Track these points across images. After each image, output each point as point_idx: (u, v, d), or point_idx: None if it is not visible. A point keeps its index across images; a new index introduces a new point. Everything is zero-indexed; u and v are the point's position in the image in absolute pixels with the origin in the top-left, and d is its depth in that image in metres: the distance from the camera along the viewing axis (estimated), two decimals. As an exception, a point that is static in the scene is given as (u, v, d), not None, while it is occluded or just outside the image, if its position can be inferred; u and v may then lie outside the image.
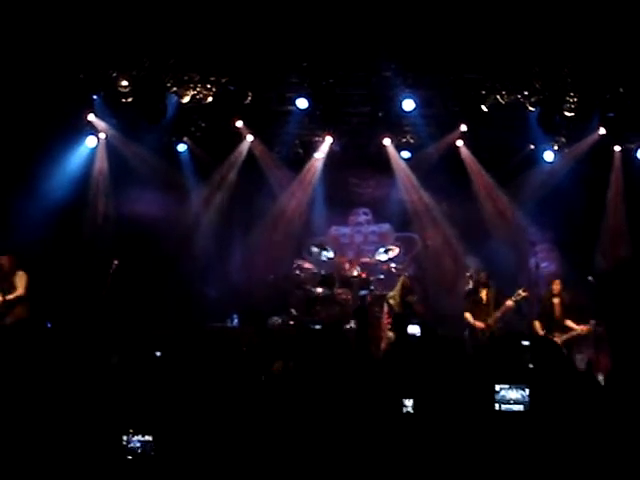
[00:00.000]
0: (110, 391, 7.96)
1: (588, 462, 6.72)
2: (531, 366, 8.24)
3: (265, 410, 7.61)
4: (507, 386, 7.27)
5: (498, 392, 7.30)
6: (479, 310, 13.32)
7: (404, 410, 7.66)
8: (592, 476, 6.66)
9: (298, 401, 7.70)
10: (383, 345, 13.59)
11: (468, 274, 13.93)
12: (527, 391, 7.23)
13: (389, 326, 13.75)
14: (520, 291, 13.09)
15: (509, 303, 13.08)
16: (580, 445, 6.82)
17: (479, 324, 13.16)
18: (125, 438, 7.13)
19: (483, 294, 13.33)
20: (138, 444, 7.13)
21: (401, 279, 14.11)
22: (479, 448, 6.96)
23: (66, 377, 8.20)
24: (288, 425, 7.41)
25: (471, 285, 13.60)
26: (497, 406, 7.32)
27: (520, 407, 7.23)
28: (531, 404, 7.23)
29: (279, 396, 7.83)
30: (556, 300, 13.19)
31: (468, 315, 13.38)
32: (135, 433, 7.13)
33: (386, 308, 13.97)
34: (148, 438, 7.11)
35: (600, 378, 10.73)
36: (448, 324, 14.60)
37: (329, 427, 7.45)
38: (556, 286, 13.31)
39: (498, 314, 13.13)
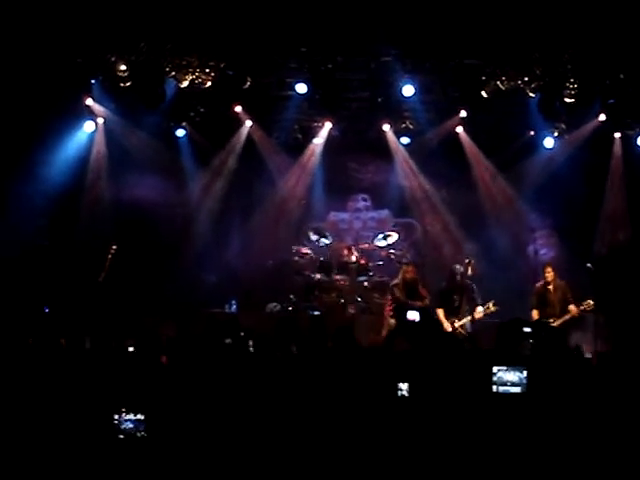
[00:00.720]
0: (102, 372, 7.98)
1: (585, 446, 6.71)
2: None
3: (257, 392, 7.61)
4: (505, 368, 7.25)
5: (495, 374, 7.27)
6: (450, 309, 13.16)
7: (399, 393, 7.65)
8: (589, 460, 6.66)
9: (290, 384, 7.70)
10: (384, 332, 13.55)
11: (467, 261, 13.81)
12: (525, 373, 7.21)
13: (391, 313, 13.69)
14: (490, 304, 12.90)
15: (478, 315, 12.95)
16: (577, 428, 6.81)
17: (447, 325, 12.99)
18: (117, 417, 7.13)
19: (457, 297, 13.19)
20: (130, 424, 7.13)
21: (403, 268, 14.02)
22: (476, 431, 6.94)
23: (60, 359, 8.22)
24: (280, 407, 7.41)
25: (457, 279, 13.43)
26: (494, 388, 7.31)
27: (517, 389, 7.22)
28: (529, 386, 7.21)
29: (272, 380, 7.83)
30: (551, 287, 13.14)
31: (440, 312, 13.20)
32: (127, 412, 7.13)
33: (389, 296, 13.91)
34: (140, 417, 7.11)
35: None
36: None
37: (322, 412, 7.45)
38: (549, 274, 13.24)
39: (465, 321, 12.99)
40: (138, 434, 7.14)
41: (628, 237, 15.42)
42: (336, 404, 7.55)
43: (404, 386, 7.71)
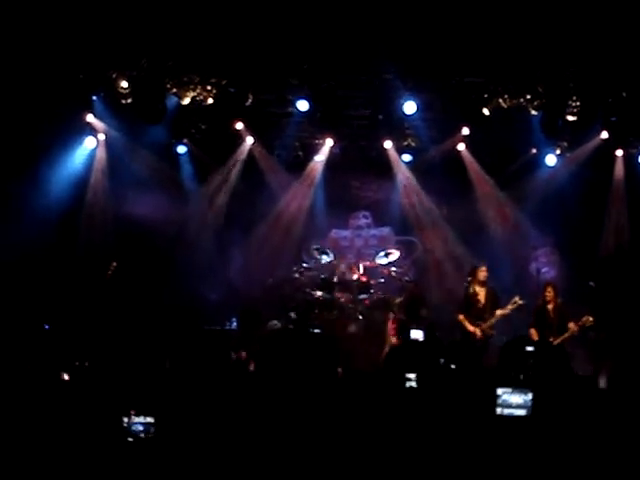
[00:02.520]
0: (111, 377, 8.04)
1: (591, 470, 6.61)
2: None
3: (266, 392, 7.60)
4: (509, 390, 7.15)
5: (500, 396, 7.17)
6: (474, 311, 12.99)
7: (407, 385, 7.63)
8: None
9: (292, 385, 7.70)
10: (385, 349, 13.46)
11: (469, 279, 13.75)
12: (530, 395, 7.10)
13: (393, 332, 13.61)
14: (516, 298, 12.77)
15: (505, 311, 12.78)
16: (585, 454, 6.71)
17: (472, 329, 12.83)
18: (126, 420, 7.14)
19: (481, 294, 13.05)
20: (139, 426, 7.13)
21: (409, 286, 13.93)
22: (478, 455, 6.85)
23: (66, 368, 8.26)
24: (286, 410, 7.38)
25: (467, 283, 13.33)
26: (498, 410, 7.21)
27: (522, 412, 7.11)
28: (534, 409, 7.10)
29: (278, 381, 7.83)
30: (550, 306, 13.06)
31: (462, 317, 12.98)
32: (137, 414, 7.14)
33: (392, 314, 13.83)
34: (150, 420, 7.11)
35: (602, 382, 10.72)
36: (447, 328, 14.59)
37: (321, 430, 7.40)
38: (549, 293, 13.15)
39: (493, 320, 12.86)
40: (147, 436, 7.14)
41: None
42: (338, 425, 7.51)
43: (412, 376, 7.75)
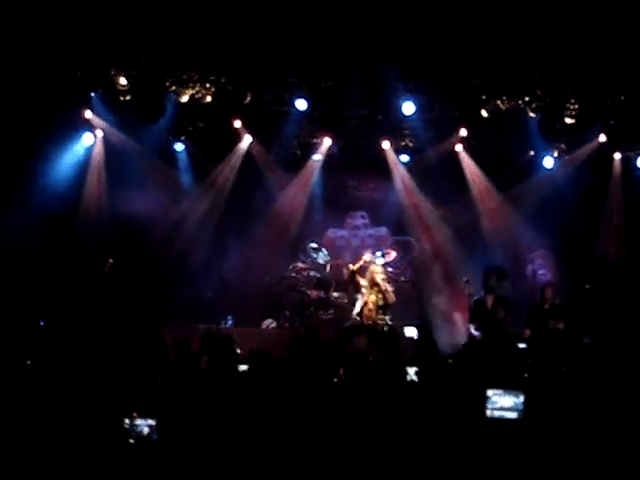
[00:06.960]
0: (112, 378, 8.02)
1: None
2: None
3: (268, 393, 7.59)
4: (500, 392, 7.07)
5: (490, 397, 7.10)
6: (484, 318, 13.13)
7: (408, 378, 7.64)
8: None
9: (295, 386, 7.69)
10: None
11: (465, 279, 13.83)
12: (521, 398, 7.03)
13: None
14: None
15: None
16: (579, 460, 6.65)
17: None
18: (127, 421, 7.13)
19: (489, 302, 13.16)
20: (144, 428, 7.13)
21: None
22: (466, 460, 6.78)
23: (67, 367, 8.25)
24: (288, 411, 7.37)
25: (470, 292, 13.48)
26: (489, 412, 7.14)
27: (514, 414, 7.04)
28: (526, 412, 7.03)
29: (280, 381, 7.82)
30: (547, 306, 13.12)
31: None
32: (138, 416, 7.14)
33: None
34: (151, 422, 7.11)
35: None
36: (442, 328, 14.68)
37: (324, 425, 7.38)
38: (548, 293, 13.25)
39: None
40: (149, 438, 7.13)
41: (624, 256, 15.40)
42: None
43: (412, 370, 7.77)
